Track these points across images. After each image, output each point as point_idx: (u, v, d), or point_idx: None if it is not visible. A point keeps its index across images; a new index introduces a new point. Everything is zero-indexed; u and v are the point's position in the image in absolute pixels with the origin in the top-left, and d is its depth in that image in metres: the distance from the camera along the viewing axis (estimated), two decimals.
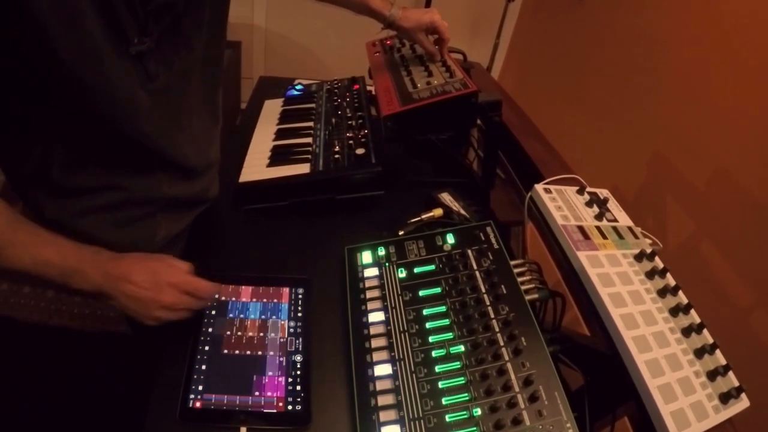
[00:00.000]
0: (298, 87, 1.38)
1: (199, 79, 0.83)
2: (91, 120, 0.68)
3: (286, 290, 0.83)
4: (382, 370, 0.70)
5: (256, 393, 0.68)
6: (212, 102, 0.91)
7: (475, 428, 0.62)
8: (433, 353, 0.70)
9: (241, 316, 0.78)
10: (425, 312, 0.76)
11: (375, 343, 0.73)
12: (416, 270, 0.82)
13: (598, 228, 0.84)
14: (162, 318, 0.69)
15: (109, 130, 0.70)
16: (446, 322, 0.74)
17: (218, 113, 0.95)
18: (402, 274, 0.82)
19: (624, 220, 0.88)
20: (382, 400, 0.66)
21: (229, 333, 0.75)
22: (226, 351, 0.73)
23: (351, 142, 1.07)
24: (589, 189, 0.93)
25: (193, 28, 0.76)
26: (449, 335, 0.72)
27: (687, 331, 0.69)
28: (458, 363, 0.69)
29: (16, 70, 0.61)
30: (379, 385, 0.68)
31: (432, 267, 0.82)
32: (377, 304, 0.79)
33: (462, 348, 0.70)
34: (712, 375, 0.65)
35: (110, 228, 0.81)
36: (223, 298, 0.80)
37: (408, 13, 1.11)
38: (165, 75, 0.72)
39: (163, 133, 0.76)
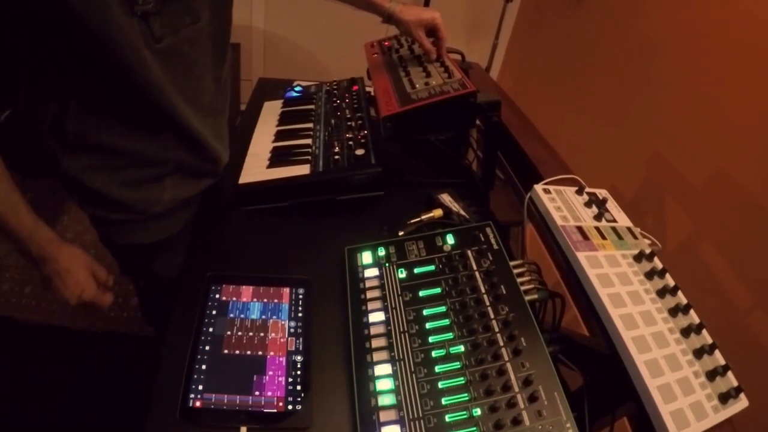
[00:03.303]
0: (297, 88, 1.38)
1: (205, 50, 0.88)
2: (99, 70, 0.75)
3: (286, 290, 0.84)
4: (382, 370, 0.70)
5: (257, 393, 0.68)
6: (216, 74, 0.95)
7: (474, 428, 0.62)
8: (433, 353, 0.70)
9: (242, 316, 0.78)
10: (425, 312, 0.76)
11: (375, 343, 0.73)
12: (416, 270, 0.83)
13: (597, 228, 0.84)
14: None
15: (116, 82, 0.77)
16: (446, 322, 0.74)
17: (224, 88, 1.01)
18: (402, 274, 0.82)
19: (623, 220, 0.89)
20: (383, 400, 0.66)
21: (229, 333, 0.75)
22: (226, 351, 0.73)
23: (350, 142, 1.07)
24: (588, 189, 0.93)
25: (200, 1, 0.82)
26: (449, 335, 0.72)
27: (686, 332, 0.69)
28: (458, 363, 0.69)
29: (36, 20, 0.70)
30: (379, 385, 0.68)
31: (432, 267, 0.83)
32: (377, 304, 0.79)
33: (462, 348, 0.71)
34: (711, 375, 0.65)
35: (119, 187, 0.88)
36: (224, 298, 0.80)
37: (408, 7, 1.12)
38: (170, 39, 0.78)
39: (167, 91, 0.81)
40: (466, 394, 0.65)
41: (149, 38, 0.74)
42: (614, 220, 0.88)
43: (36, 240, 0.79)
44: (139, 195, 0.91)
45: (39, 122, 0.83)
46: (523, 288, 0.78)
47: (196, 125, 0.90)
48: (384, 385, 0.68)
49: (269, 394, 0.69)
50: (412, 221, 0.98)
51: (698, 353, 0.67)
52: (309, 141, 1.12)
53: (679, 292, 0.75)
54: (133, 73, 0.75)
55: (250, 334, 0.76)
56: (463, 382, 0.67)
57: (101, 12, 0.67)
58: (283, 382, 0.70)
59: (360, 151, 1.04)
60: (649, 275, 0.77)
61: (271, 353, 0.74)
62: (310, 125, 1.19)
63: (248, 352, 0.73)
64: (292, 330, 0.78)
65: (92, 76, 0.76)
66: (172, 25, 0.77)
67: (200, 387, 0.68)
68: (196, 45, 0.85)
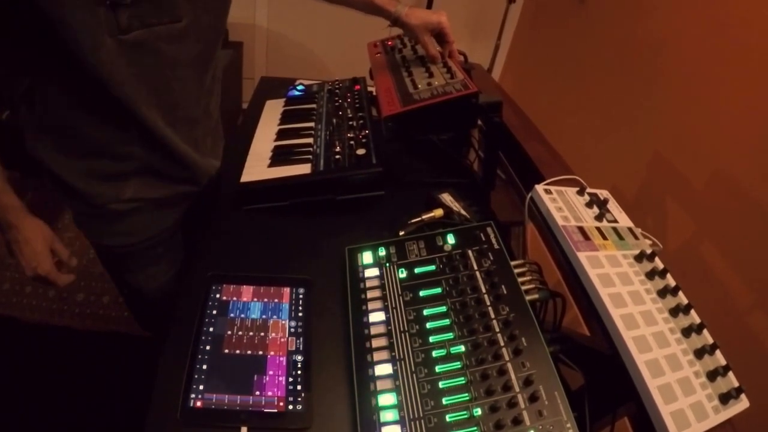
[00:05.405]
0: (300, 87, 1.38)
1: (187, 51, 0.84)
2: (55, 52, 0.71)
3: (286, 290, 0.84)
4: (383, 369, 0.70)
5: (257, 393, 0.68)
6: (199, 81, 0.92)
7: (475, 428, 0.62)
8: (434, 353, 0.70)
9: (242, 315, 0.78)
10: (426, 312, 0.76)
11: (375, 343, 0.73)
12: (417, 270, 0.83)
13: (598, 229, 0.84)
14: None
15: (75, 68, 0.72)
16: (447, 322, 0.74)
17: (208, 92, 0.97)
18: (402, 274, 0.82)
19: (624, 220, 0.89)
20: (383, 400, 0.66)
21: (229, 332, 0.75)
22: (226, 351, 0.73)
23: (352, 142, 1.07)
24: (589, 190, 0.93)
25: (186, 2, 0.78)
26: (450, 335, 0.72)
27: (687, 332, 0.69)
28: (458, 363, 0.69)
29: None
30: (380, 385, 0.68)
31: (432, 267, 0.83)
32: (378, 304, 0.79)
33: (462, 348, 0.70)
34: (712, 375, 0.65)
35: (81, 176, 0.87)
36: (225, 298, 0.80)
37: (414, 11, 1.11)
38: (140, 32, 0.74)
39: (130, 84, 0.77)
40: (466, 394, 0.65)
41: (113, 27, 0.71)
42: (615, 221, 0.88)
43: (1, 204, 0.81)
44: (100, 188, 0.89)
45: (12, 93, 0.81)
46: (523, 288, 0.78)
47: (163, 129, 0.87)
48: (384, 384, 0.68)
49: (270, 393, 0.69)
50: (413, 221, 0.97)
51: (699, 353, 0.67)
52: (310, 140, 1.12)
53: (680, 292, 0.75)
54: (88, 60, 0.71)
55: (251, 333, 0.76)
56: (463, 381, 0.67)
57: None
58: (284, 382, 0.70)
59: (361, 151, 1.04)
60: (650, 275, 0.77)
61: (272, 353, 0.74)
62: (312, 124, 1.19)
63: (249, 352, 0.73)
64: (292, 330, 0.78)
65: (50, 57, 0.73)
66: (144, 19, 0.74)
67: (201, 387, 0.68)
68: (175, 45, 0.81)
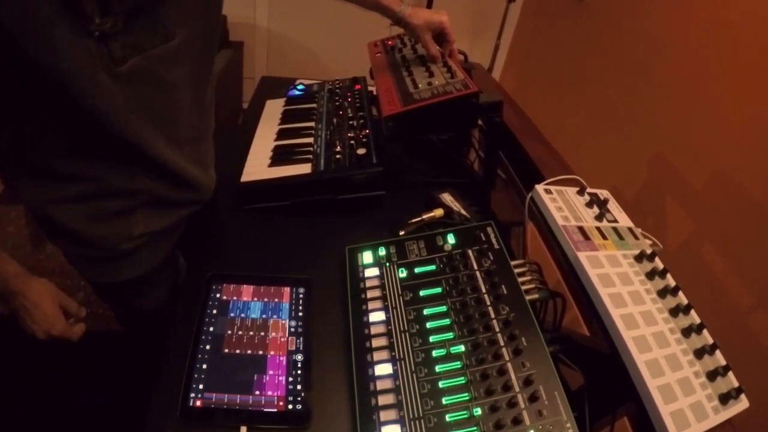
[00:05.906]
0: (300, 87, 1.38)
1: (182, 71, 0.77)
2: (45, 95, 0.65)
3: (287, 290, 0.84)
4: (383, 369, 0.70)
5: (257, 392, 0.68)
6: (199, 97, 0.86)
7: (475, 428, 0.62)
8: (434, 353, 0.70)
9: (242, 315, 0.78)
10: (426, 312, 0.76)
11: (375, 342, 0.73)
12: (417, 270, 0.83)
13: (598, 229, 0.84)
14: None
15: (68, 109, 0.66)
16: (447, 321, 0.74)
17: (208, 108, 0.92)
18: (402, 274, 0.82)
19: (624, 220, 0.89)
20: (383, 399, 0.66)
21: (230, 332, 0.75)
22: (227, 350, 0.73)
23: (352, 142, 1.07)
24: (589, 190, 0.93)
25: (176, 17, 0.70)
26: (450, 335, 0.72)
27: (687, 332, 0.69)
28: (458, 363, 0.69)
29: None
30: (380, 385, 0.68)
31: (433, 267, 0.83)
32: (378, 303, 0.79)
33: (462, 348, 0.71)
34: (711, 375, 0.65)
35: (84, 220, 0.80)
36: (225, 298, 0.80)
37: (418, 11, 1.11)
38: (135, 60, 0.67)
39: (131, 119, 0.71)
40: (466, 394, 0.65)
41: (108, 61, 0.63)
42: (615, 221, 0.88)
43: (1, 275, 0.76)
44: (108, 230, 0.82)
45: None
46: (523, 288, 0.78)
47: (168, 154, 0.81)
48: (384, 384, 0.68)
49: (269, 393, 0.69)
50: (413, 221, 0.97)
51: (699, 353, 0.67)
52: (311, 140, 1.12)
53: (680, 293, 0.75)
54: (85, 100, 0.64)
55: (251, 333, 0.76)
56: (463, 381, 0.67)
57: (39, 30, 0.56)
58: (284, 382, 0.70)
59: (361, 151, 1.04)
60: (650, 275, 0.77)
61: (272, 352, 0.74)
62: (312, 124, 1.19)
63: (249, 352, 0.73)
64: (292, 329, 0.78)
65: (38, 99, 0.66)
66: (138, 45, 0.66)
67: (201, 386, 0.68)
68: (172, 66, 0.74)
